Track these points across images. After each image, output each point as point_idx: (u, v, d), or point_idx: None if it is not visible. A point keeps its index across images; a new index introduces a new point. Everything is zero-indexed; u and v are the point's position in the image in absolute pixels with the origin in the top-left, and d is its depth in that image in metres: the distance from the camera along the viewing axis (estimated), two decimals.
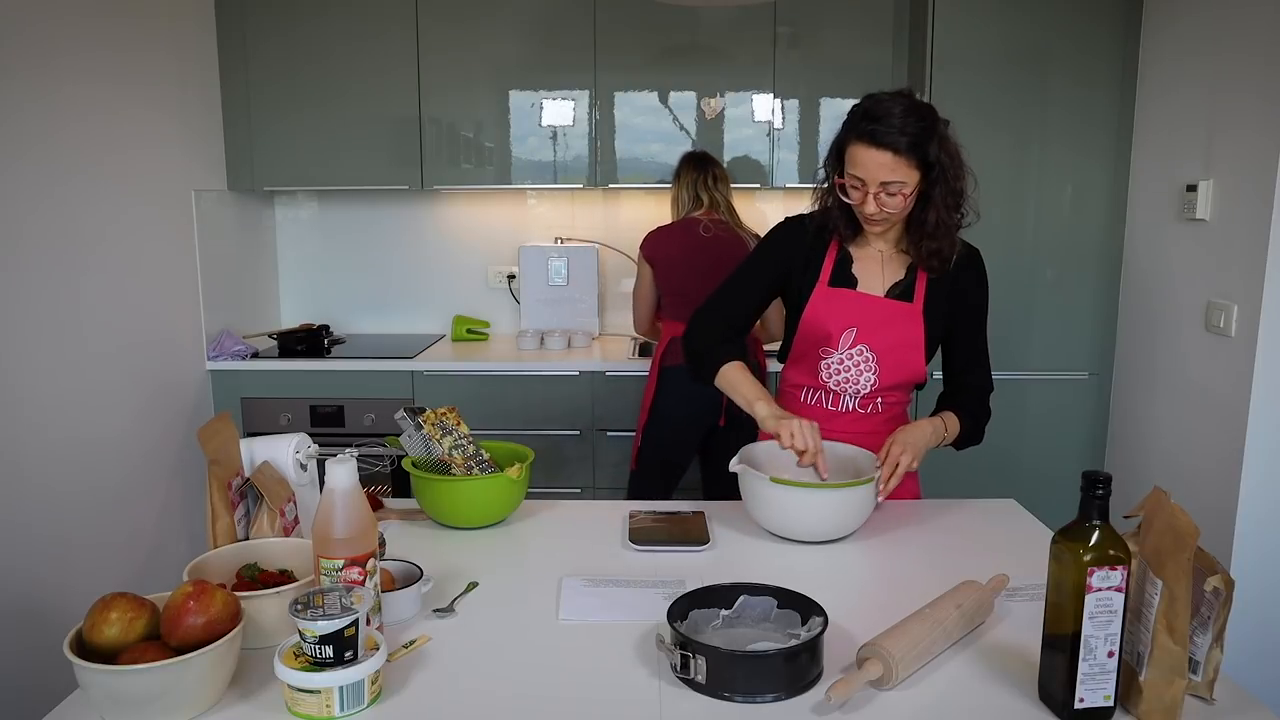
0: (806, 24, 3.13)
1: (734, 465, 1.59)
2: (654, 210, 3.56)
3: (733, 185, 3.31)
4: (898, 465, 1.60)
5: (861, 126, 1.59)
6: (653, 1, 3.02)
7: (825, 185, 1.73)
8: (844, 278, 1.75)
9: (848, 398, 1.75)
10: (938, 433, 1.71)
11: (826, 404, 1.77)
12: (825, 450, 1.62)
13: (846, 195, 1.65)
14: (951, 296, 1.74)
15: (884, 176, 1.59)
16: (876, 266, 1.75)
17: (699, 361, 1.77)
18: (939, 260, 1.69)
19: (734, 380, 1.71)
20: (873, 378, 1.73)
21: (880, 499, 1.58)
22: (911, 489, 1.84)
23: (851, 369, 1.73)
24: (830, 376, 1.74)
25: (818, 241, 1.76)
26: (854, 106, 1.63)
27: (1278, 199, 2.31)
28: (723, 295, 1.82)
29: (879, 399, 1.76)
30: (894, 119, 1.56)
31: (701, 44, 3.17)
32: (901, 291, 1.74)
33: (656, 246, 2.84)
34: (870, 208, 1.62)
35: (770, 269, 1.80)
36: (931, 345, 1.75)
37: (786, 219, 1.83)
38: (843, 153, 1.64)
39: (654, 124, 3.21)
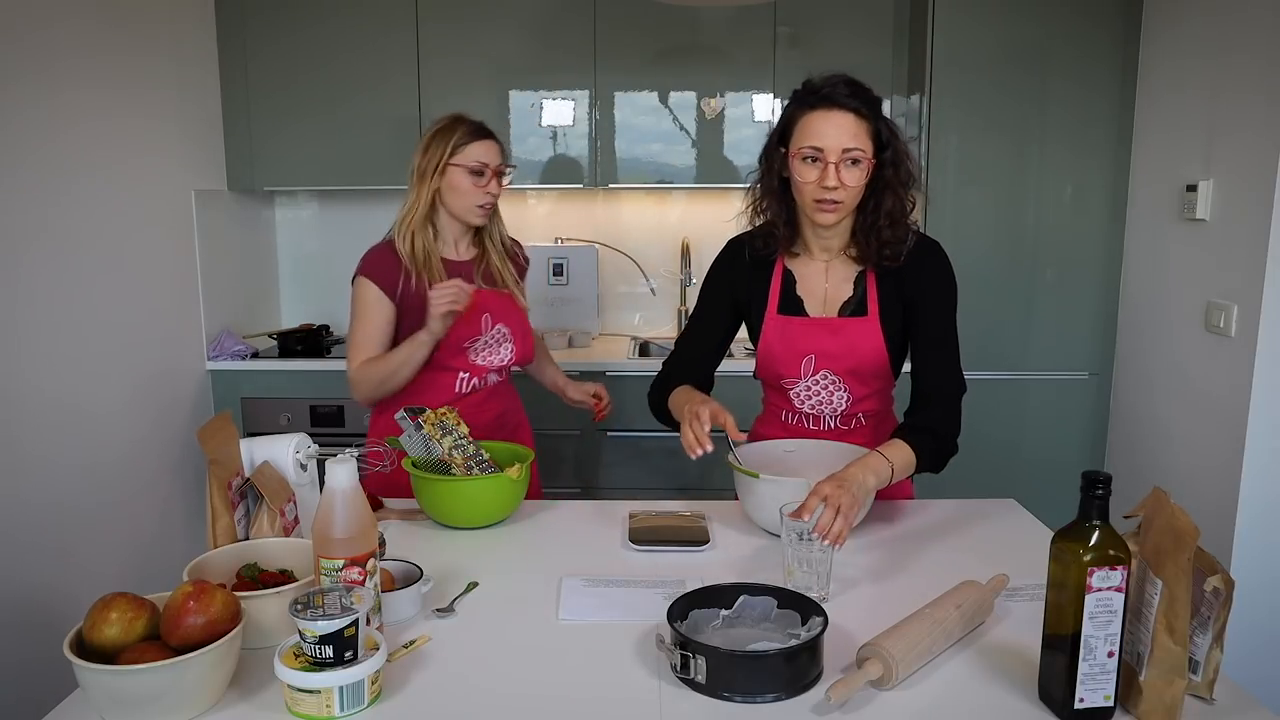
0: (806, 24, 3.13)
1: (730, 460, 1.60)
2: (654, 210, 3.57)
3: (732, 185, 3.32)
4: (837, 510, 1.34)
5: (814, 98, 1.55)
6: (653, 1, 3.02)
7: (761, 192, 1.67)
8: (791, 301, 1.71)
9: (827, 418, 1.73)
10: (880, 471, 1.48)
11: (809, 424, 1.75)
12: (808, 447, 1.66)
13: (799, 175, 1.57)
14: (905, 290, 1.66)
15: (846, 142, 1.53)
16: (821, 283, 1.70)
17: (656, 415, 1.80)
18: (893, 250, 1.62)
19: (674, 401, 1.72)
20: (845, 395, 1.70)
21: (836, 547, 1.32)
22: (903, 487, 1.83)
23: (821, 393, 1.70)
24: (803, 403, 1.72)
25: (761, 263, 1.72)
26: (795, 90, 1.60)
27: (1278, 199, 2.31)
28: (682, 344, 1.82)
29: (859, 414, 1.73)
30: (843, 86, 1.55)
31: (701, 44, 3.16)
32: (855, 308, 1.68)
33: None
34: (830, 180, 1.54)
35: (722, 300, 1.77)
36: (896, 351, 1.70)
37: (728, 242, 1.79)
38: (787, 136, 1.59)
39: (654, 124, 3.21)
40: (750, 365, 1.82)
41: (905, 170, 1.60)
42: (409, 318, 1.97)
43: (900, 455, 1.53)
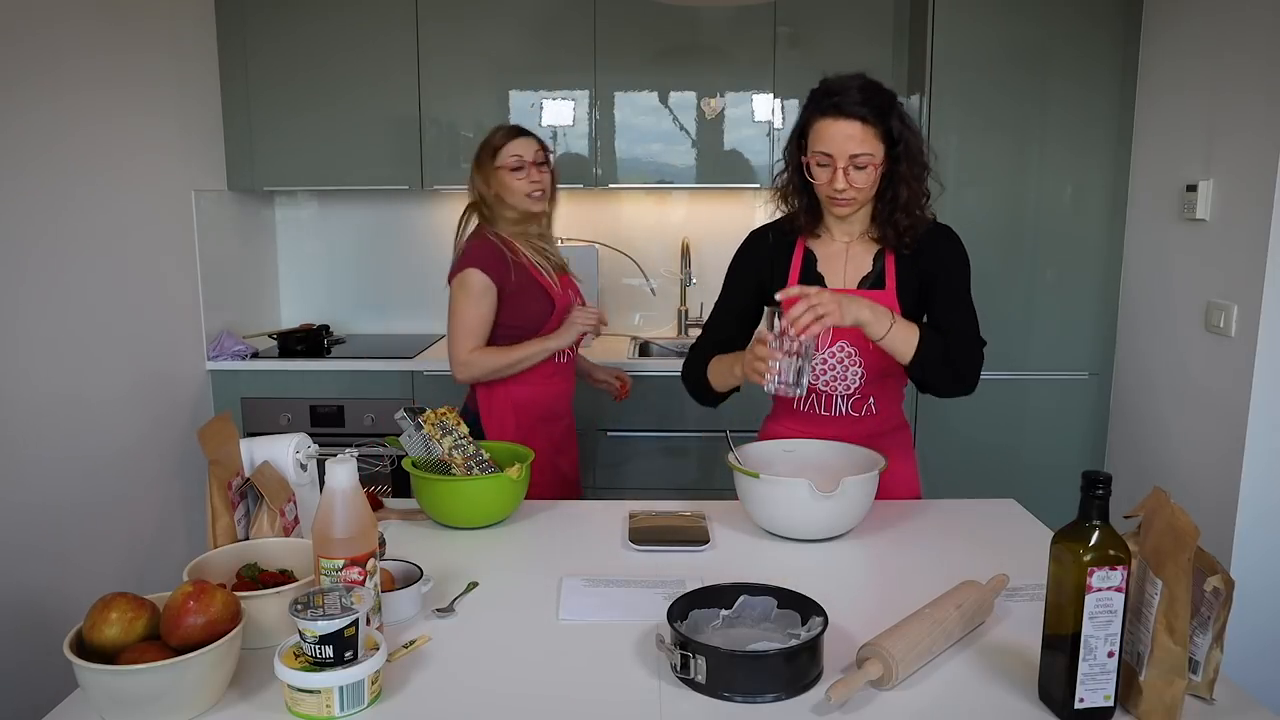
0: (806, 24, 3.13)
1: (730, 460, 1.60)
2: (654, 210, 3.57)
3: (732, 185, 3.32)
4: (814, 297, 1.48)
5: (825, 102, 1.61)
6: (653, 1, 3.02)
7: (785, 179, 1.74)
8: (812, 277, 1.76)
9: (839, 399, 1.75)
10: (880, 315, 1.56)
11: (819, 409, 1.77)
12: (823, 446, 1.67)
13: (813, 176, 1.66)
14: (922, 272, 1.72)
15: (852, 149, 1.60)
16: (842, 262, 1.76)
17: (695, 393, 1.84)
18: (910, 236, 1.69)
19: (714, 369, 1.76)
20: (860, 371, 1.72)
21: (780, 296, 1.50)
22: (911, 487, 1.84)
23: (836, 366, 1.73)
24: (817, 378, 1.74)
25: (782, 246, 1.78)
26: (813, 89, 1.66)
27: (1278, 199, 2.31)
28: (708, 328, 1.87)
29: (871, 399, 1.75)
30: (854, 92, 1.60)
31: (701, 44, 3.16)
32: (873, 282, 1.74)
33: None
34: (839, 184, 1.62)
35: (745, 285, 1.83)
36: None
37: (750, 233, 1.85)
38: (805, 135, 1.66)
39: (654, 124, 3.21)
40: None
41: (918, 163, 1.66)
42: (507, 303, 2.19)
43: (905, 324, 1.60)
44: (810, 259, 1.77)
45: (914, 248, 1.70)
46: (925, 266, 1.72)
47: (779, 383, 1.52)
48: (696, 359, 1.83)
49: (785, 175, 1.75)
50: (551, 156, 2.31)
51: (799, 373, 1.52)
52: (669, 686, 1.10)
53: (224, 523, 1.36)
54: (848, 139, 1.60)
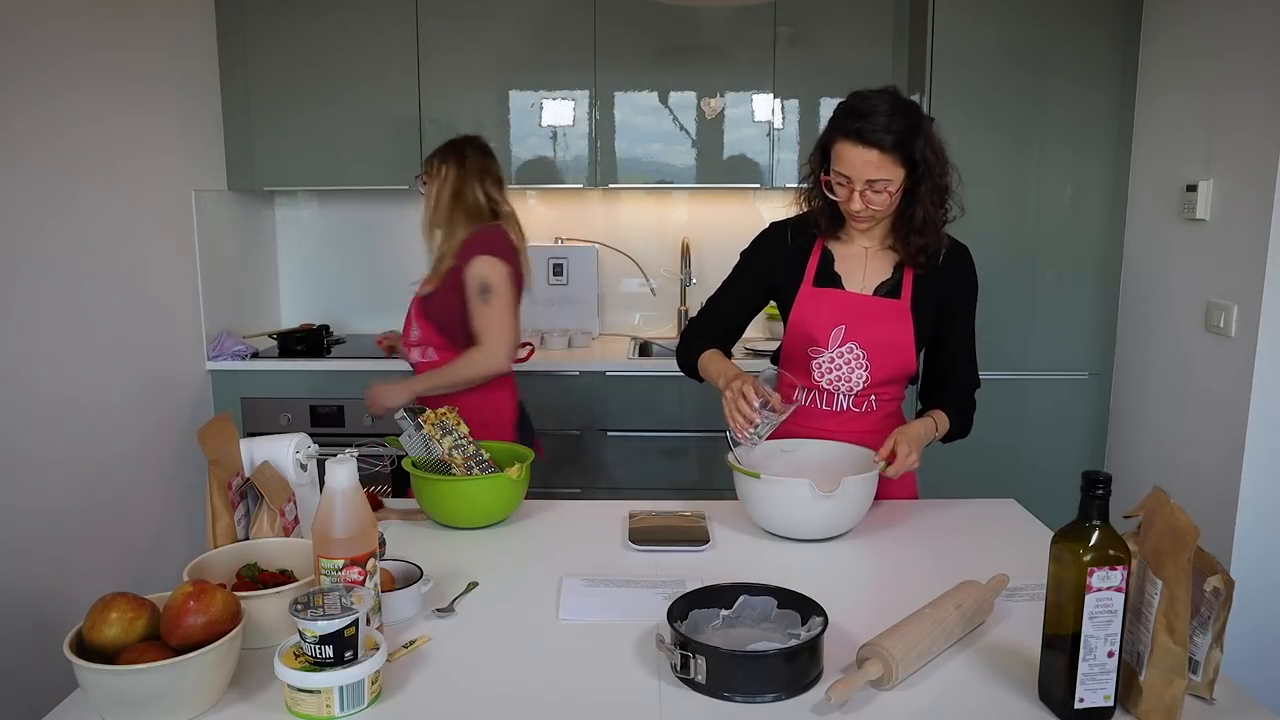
0: (806, 24, 3.13)
1: (730, 460, 1.60)
2: (654, 210, 3.57)
3: (732, 185, 3.32)
4: (906, 458, 1.61)
5: (848, 124, 1.60)
6: (653, 1, 3.02)
7: (809, 185, 1.75)
8: (828, 277, 1.76)
9: (841, 396, 1.76)
10: (929, 432, 1.71)
11: (821, 404, 1.77)
12: (811, 443, 1.71)
13: (832, 192, 1.67)
14: (940, 293, 1.74)
15: (870, 174, 1.60)
16: (860, 265, 1.76)
17: (686, 369, 1.87)
18: (926, 256, 1.70)
19: (706, 366, 1.79)
20: (864, 374, 1.73)
21: (888, 470, 1.59)
22: (909, 488, 1.85)
23: (843, 367, 1.74)
24: (822, 376, 1.75)
25: (801, 243, 1.79)
26: (840, 104, 1.64)
27: (1278, 199, 2.31)
28: (710, 306, 1.88)
29: (872, 396, 1.76)
30: (880, 117, 1.58)
31: (701, 44, 3.16)
32: (889, 290, 1.74)
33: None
34: (856, 205, 1.63)
35: (755, 276, 1.84)
36: (921, 341, 1.75)
37: (770, 225, 1.86)
38: (828, 150, 1.66)
39: (654, 124, 3.21)
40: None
41: (939, 187, 1.65)
42: None
43: (942, 420, 1.73)
44: (828, 259, 1.77)
45: (929, 266, 1.72)
46: (940, 285, 1.74)
47: (747, 434, 1.59)
48: (694, 339, 1.85)
49: (808, 186, 1.76)
50: (424, 178, 2.47)
51: (767, 426, 1.59)
52: (669, 686, 1.10)
53: (224, 523, 1.36)
54: (866, 164, 1.59)
